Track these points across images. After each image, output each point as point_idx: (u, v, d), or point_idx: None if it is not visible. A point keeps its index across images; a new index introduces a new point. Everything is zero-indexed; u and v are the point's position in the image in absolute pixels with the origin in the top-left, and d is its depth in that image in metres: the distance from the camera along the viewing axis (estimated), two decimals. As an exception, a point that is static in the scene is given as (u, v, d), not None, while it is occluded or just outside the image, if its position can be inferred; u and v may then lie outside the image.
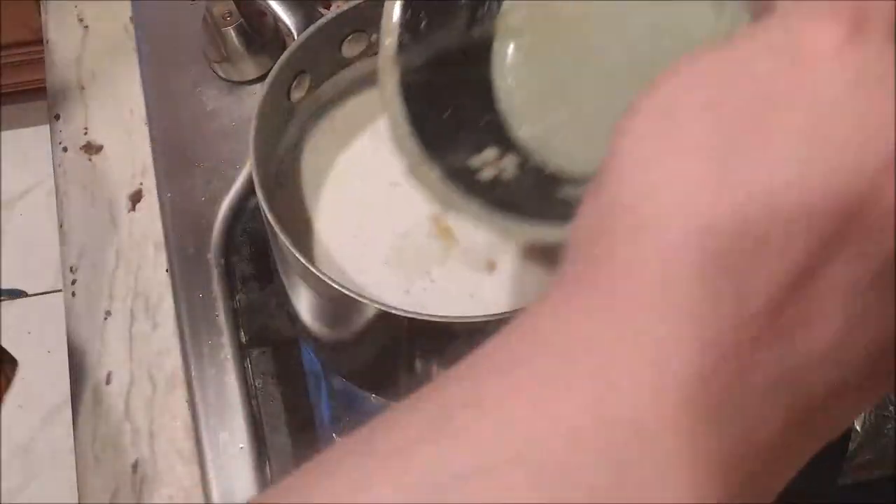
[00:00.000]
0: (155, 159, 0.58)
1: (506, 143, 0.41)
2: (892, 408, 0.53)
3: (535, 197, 0.40)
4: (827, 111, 0.21)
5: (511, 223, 0.38)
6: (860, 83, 0.21)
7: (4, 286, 1.46)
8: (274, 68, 0.46)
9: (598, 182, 0.22)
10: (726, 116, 0.21)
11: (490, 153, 0.40)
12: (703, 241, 0.20)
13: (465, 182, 0.39)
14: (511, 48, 0.42)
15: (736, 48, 0.22)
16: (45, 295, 1.46)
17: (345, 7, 0.47)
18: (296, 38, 0.48)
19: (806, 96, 0.21)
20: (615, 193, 0.22)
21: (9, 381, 0.57)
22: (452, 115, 0.41)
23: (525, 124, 0.41)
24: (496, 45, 0.42)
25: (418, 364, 0.46)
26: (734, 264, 0.20)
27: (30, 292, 1.48)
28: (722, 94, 0.22)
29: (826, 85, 0.21)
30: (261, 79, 0.49)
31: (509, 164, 0.40)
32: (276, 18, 0.59)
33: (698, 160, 0.21)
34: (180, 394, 0.53)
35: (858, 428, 0.52)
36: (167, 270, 0.56)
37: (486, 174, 0.40)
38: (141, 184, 0.59)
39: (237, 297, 0.54)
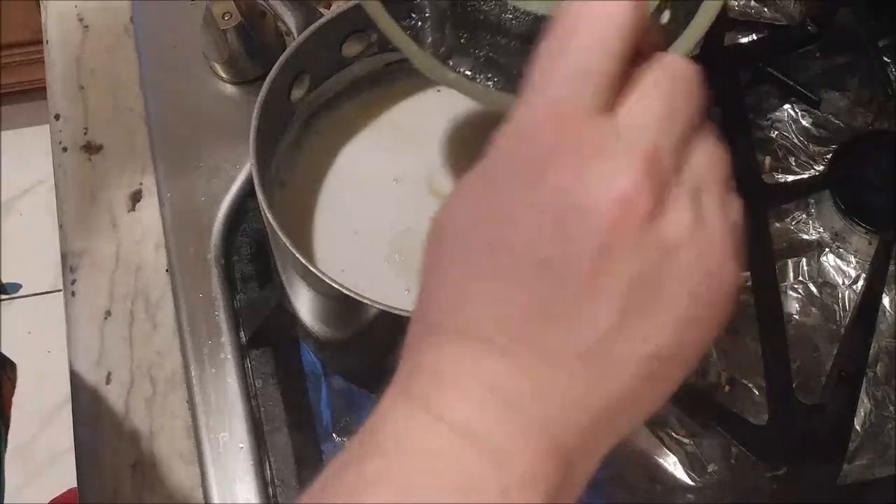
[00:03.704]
0: (155, 159, 0.58)
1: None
2: (892, 408, 0.53)
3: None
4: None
5: None
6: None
7: (5, 282, 1.46)
8: (274, 68, 0.46)
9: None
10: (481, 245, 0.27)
11: None
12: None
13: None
14: None
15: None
16: (45, 295, 1.46)
17: (345, 7, 0.47)
18: (296, 38, 0.48)
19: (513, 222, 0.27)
20: (425, 316, 0.28)
21: (13, 383, 0.57)
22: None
23: None
24: None
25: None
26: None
27: (30, 292, 1.48)
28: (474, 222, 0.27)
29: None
30: (261, 79, 0.49)
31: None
32: (276, 18, 0.59)
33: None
34: (180, 394, 0.53)
35: (858, 428, 0.52)
36: (167, 270, 0.56)
37: None
38: (141, 184, 0.59)
39: (237, 297, 0.54)
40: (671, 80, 0.28)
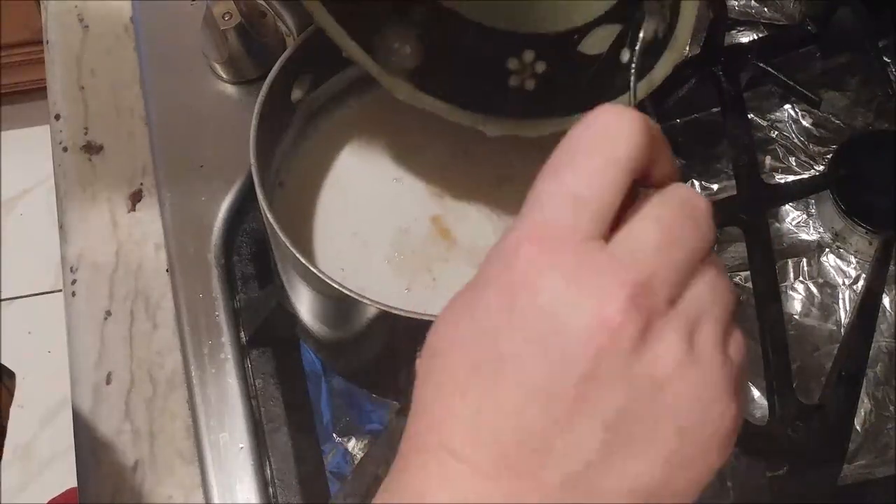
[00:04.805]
0: (155, 159, 0.58)
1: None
2: (892, 408, 0.53)
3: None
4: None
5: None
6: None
7: (4, 287, 1.46)
8: (274, 68, 0.46)
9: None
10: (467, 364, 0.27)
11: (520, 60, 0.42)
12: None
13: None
14: None
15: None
16: (45, 295, 1.46)
17: (345, 7, 0.47)
18: (296, 38, 0.48)
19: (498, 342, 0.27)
20: (416, 428, 0.28)
21: (10, 393, 0.57)
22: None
23: None
24: None
25: (418, 363, 0.46)
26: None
27: (30, 292, 1.48)
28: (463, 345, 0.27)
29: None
30: (261, 79, 0.49)
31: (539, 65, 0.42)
32: (276, 18, 0.59)
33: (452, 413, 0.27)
34: (180, 394, 0.53)
35: (858, 428, 0.52)
36: (167, 270, 0.56)
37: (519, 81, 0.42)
38: (141, 184, 0.59)
39: (237, 297, 0.54)
40: (675, 207, 0.27)
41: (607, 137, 0.27)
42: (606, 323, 0.25)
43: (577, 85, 0.42)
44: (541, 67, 0.43)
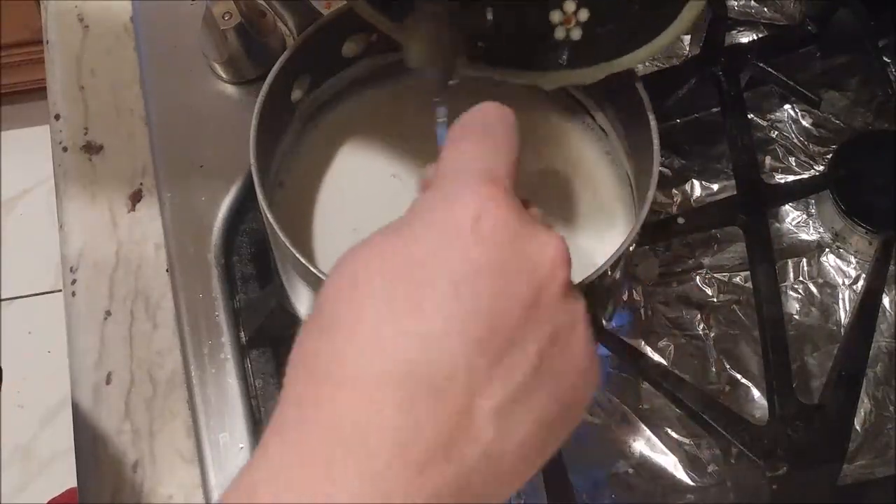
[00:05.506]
0: (155, 159, 0.58)
1: None
2: (892, 408, 0.53)
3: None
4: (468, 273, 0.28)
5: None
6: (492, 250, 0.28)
7: (4, 287, 1.46)
8: (274, 68, 0.46)
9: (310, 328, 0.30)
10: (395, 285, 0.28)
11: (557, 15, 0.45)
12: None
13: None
14: None
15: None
16: (45, 295, 1.46)
17: (345, 7, 0.47)
18: (296, 38, 0.48)
19: (451, 264, 0.28)
20: (320, 351, 0.30)
21: None
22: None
23: None
24: None
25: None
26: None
27: (30, 292, 1.48)
28: (392, 269, 0.28)
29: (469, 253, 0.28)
30: (261, 79, 0.49)
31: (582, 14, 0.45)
32: (276, 18, 0.59)
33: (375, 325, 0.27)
34: (180, 394, 0.53)
35: (858, 428, 0.52)
36: (167, 270, 0.56)
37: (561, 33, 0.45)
38: (141, 184, 0.59)
39: (237, 297, 0.54)
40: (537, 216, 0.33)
41: (503, 117, 0.33)
42: (555, 259, 0.29)
43: (619, 28, 0.44)
44: (584, 15, 0.44)
